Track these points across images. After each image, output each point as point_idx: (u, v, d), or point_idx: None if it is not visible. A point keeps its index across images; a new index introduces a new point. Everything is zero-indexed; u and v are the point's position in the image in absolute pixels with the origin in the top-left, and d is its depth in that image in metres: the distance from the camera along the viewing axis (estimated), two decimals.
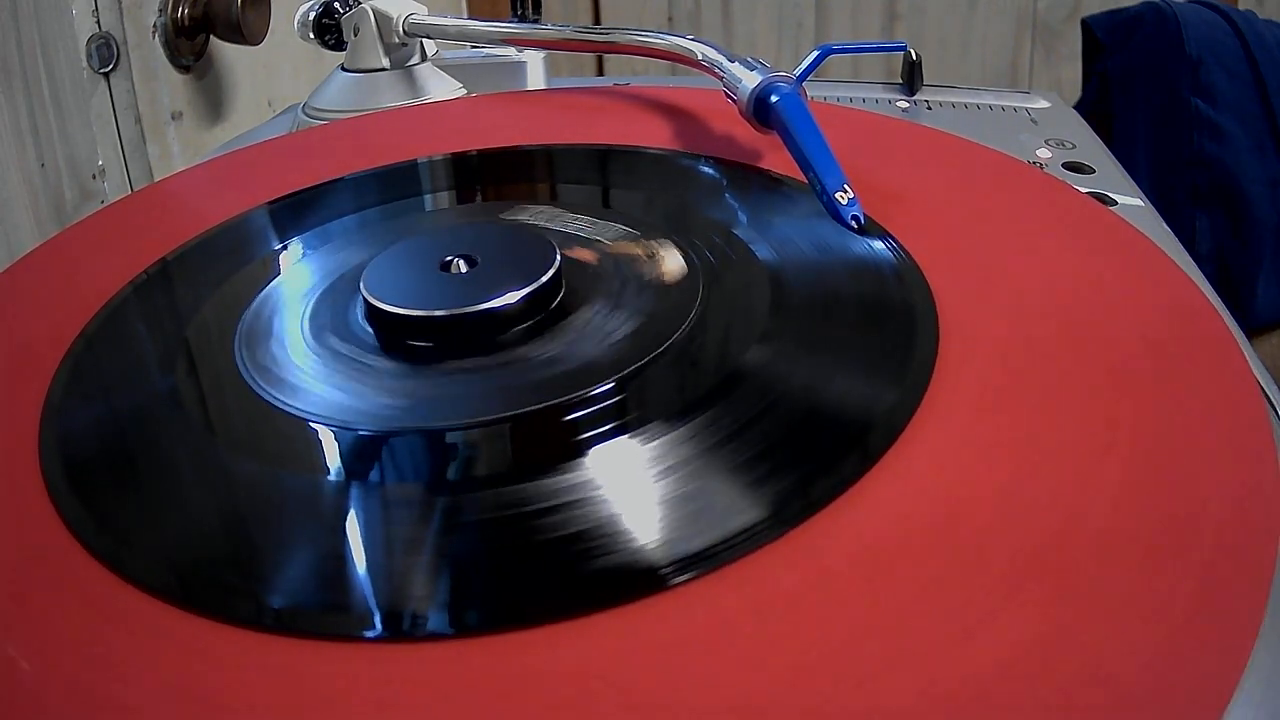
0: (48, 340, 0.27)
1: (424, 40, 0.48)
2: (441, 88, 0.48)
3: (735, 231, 0.28)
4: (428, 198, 0.34)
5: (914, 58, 0.49)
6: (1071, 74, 1.02)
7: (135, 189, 0.56)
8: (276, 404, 0.23)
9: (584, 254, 0.28)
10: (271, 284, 0.28)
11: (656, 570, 0.18)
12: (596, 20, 1.16)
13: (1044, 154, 0.41)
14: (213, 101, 0.64)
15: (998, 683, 0.15)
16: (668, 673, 0.16)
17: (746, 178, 0.32)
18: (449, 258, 0.26)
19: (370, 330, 0.25)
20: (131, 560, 0.19)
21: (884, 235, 0.27)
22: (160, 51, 0.59)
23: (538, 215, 0.30)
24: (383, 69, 0.47)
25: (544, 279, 0.25)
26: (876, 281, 0.25)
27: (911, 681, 0.16)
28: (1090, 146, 0.43)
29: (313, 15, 0.49)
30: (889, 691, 0.15)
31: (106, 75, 0.55)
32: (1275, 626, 0.17)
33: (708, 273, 0.26)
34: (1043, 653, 0.16)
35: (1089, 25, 0.85)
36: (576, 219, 0.29)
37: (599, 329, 0.25)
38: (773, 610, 0.17)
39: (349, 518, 0.20)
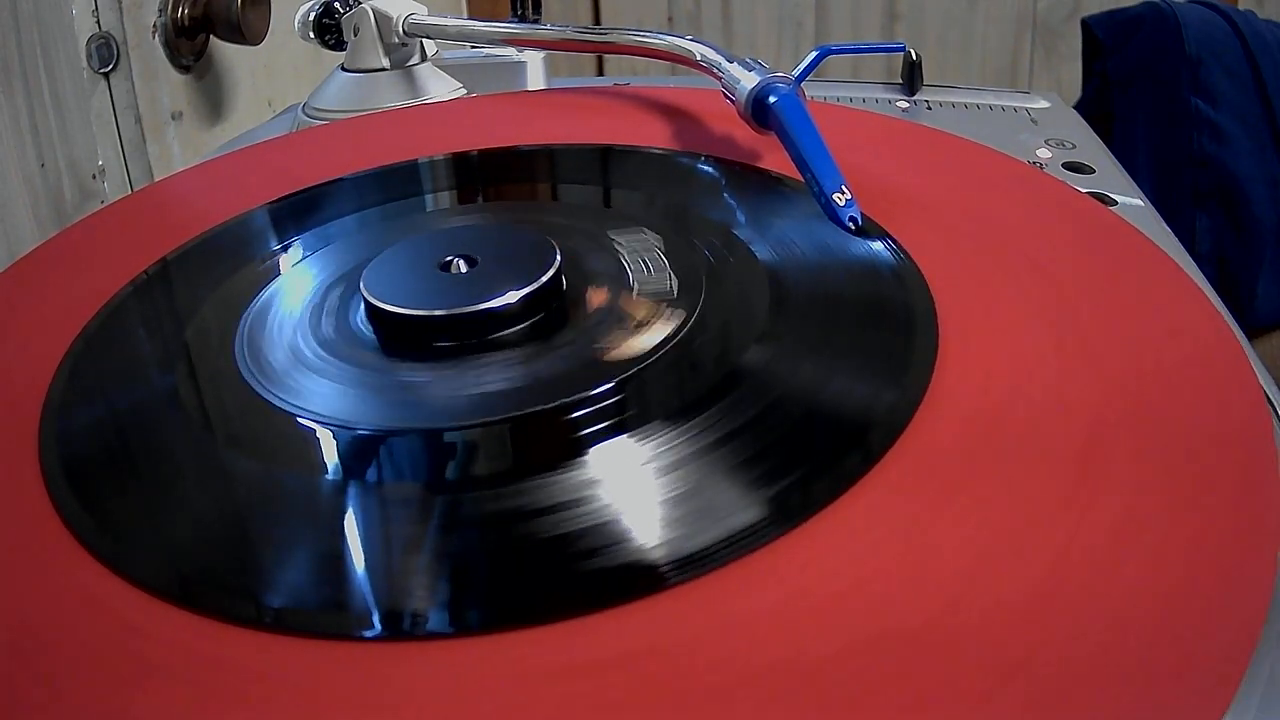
0: (48, 340, 0.27)
1: (424, 40, 0.48)
2: (441, 88, 0.48)
3: (735, 231, 0.28)
4: (428, 198, 0.34)
5: (914, 58, 0.49)
6: (1071, 74, 1.02)
7: (135, 189, 0.56)
8: (276, 404, 0.23)
9: (587, 255, 0.28)
10: (271, 284, 0.28)
11: (657, 570, 0.18)
12: (596, 20, 1.16)
13: (1044, 154, 0.41)
14: (213, 101, 0.64)
15: (998, 684, 0.15)
16: (668, 672, 0.16)
17: (746, 178, 0.32)
18: (449, 258, 0.26)
19: (370, 330, 0.25)
20: (131, 560, 0.19)
21: (883, 236, 0.27)
22: (160, 51, 0.59)
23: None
24: (383, 69, 0.47)
25: (544, 279, 0.25)
26: (876, 282, 0.25)
27: (913, 682, 0.16)
28: (1090, 146, 0.43)
29: (313, 15, 0.49)
30: (890, 691, 0.15)
31: (106, 75, 0.55)
32: (1276, 629, 0.17)
33: (707, 273, 0.26)
34: (1043, 653, 0.16)
35: (1089, 25, 0.85)
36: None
37: (599, 329, 0.25)
38: (773, 611, 0.17)
39: (349, 518, 0.20)
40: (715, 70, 0.34)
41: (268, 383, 0.24)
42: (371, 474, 0.21)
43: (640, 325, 0.24)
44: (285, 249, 0.31)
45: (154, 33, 0.58)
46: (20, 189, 0.49)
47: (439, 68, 0.49)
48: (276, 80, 0.71)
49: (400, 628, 0.17)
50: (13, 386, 0.25)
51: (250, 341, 0.26)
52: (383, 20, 0.46)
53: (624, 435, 0.21)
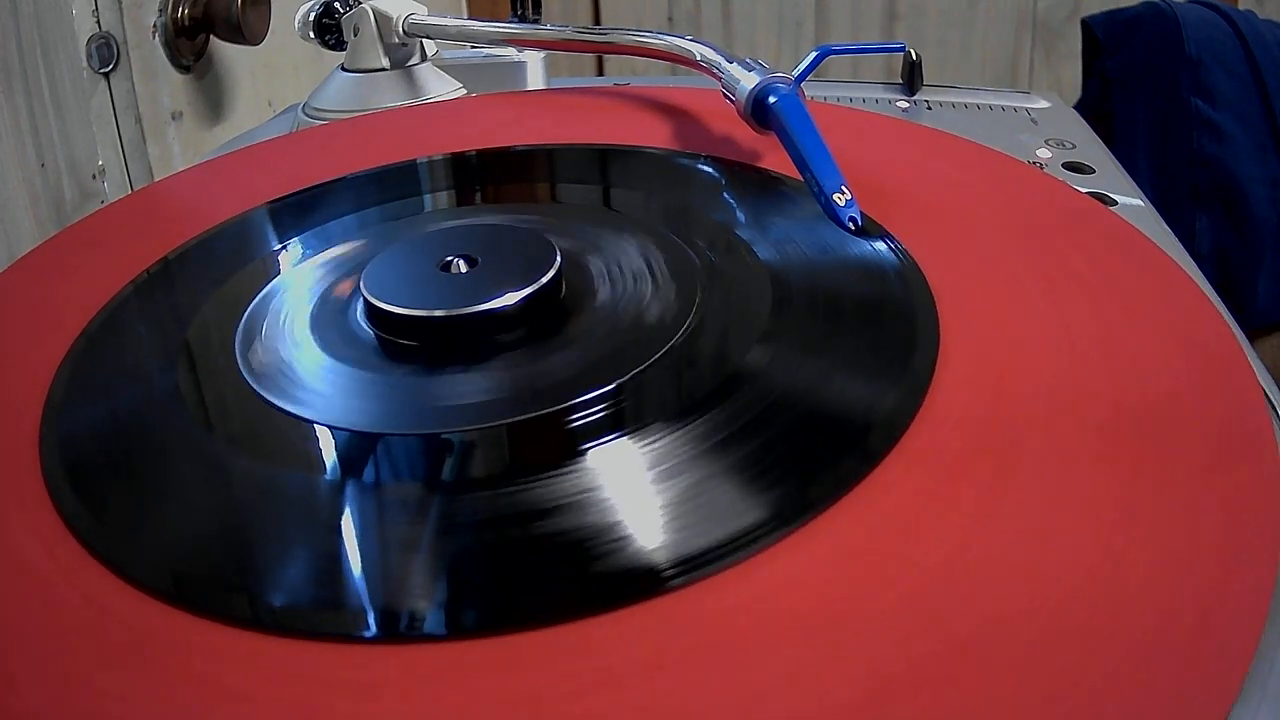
0: (48, 340, 0.27)
1: (424, 40, 0.48)
2: (441, 88, 0.48)
3: (735, 231, 0.28)
4: (428, 198, 0.34)
5: (914, 58, 0.49)
6: (1071, 74, 1.02)
7: (135, 189, 0.56)
8: (276, 404, 0.23)
9: (587, 256, 0.28)
10: (271, 284, 0.28)
11: (657, 572, 0.18)
12: (596, 20, 1.16)
13: (1044, 154, 0.41)
14: (213, 101, 0.64)
15: (999, 685, 0.15)
16: (668, 674, 0.16)
17: (746, 178, 0.32)
18: (449, 258, 0.26)
19: (370, 330, 0.25)
20: (131, 560, 0.19)
21: (884, 235, 0.27)
22: (160, 51, 0.59)
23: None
24: (383, 69, 0.47)
25: (544, 279, 0.25)
26: (877, 282, 0.25)
27: (914, 681, 0.16)
28: (1090, 146, 0.43)
29: (313, 15, 0.49)
30: (890, 691, 0.15)
31: (106, 75, 0.55)
32: (1277, 629, 0.17)
33: (708, 273, 0.26)
34: (1043, 653, 0.16)
35: (1089, 25, 0.85)
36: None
37: (599, 329, 0.25)
38: (774, 611, 0.17)
39: (348, 519, 0.20)
40: (715, 70, 0.34)
41: (267, 383, 0.24)
42: (371, 475, 0.21)
43: (641, 325, 0.24)
44: (285, 249, 0.31)
45: (154, 33, 0.58)
46: (20, 189, 0.49)
47: (439, 68, 0.49)
48: (276, 80, 0.71)
49: (398, 629, 0.17)
50: (13, 386, 0.25)
51: (250, 342, 0.26)
52: (383, 20, 0.46)
53: (624, 437, 0.21)
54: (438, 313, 0.24)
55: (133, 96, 0.57)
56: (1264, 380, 0.24)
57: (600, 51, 0.52)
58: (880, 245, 0.27)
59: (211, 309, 0.28)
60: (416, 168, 0.35)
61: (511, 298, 0.24)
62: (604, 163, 0.34)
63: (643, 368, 0.23)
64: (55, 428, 0.24)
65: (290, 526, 0.20)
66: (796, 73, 0.33)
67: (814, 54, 0.36)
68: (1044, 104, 0.48)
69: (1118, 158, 0.42)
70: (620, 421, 0.21)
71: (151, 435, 0.23)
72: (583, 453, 0.21)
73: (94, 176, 0.54)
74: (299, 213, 0.33)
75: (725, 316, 0.25)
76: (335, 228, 0.31)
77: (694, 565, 0.18)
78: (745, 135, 0.33)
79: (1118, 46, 0.82)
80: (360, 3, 0.46)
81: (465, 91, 0.48)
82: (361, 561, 0.19)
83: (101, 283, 0.29)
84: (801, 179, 0.29)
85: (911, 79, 0.50)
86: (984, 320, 0.24)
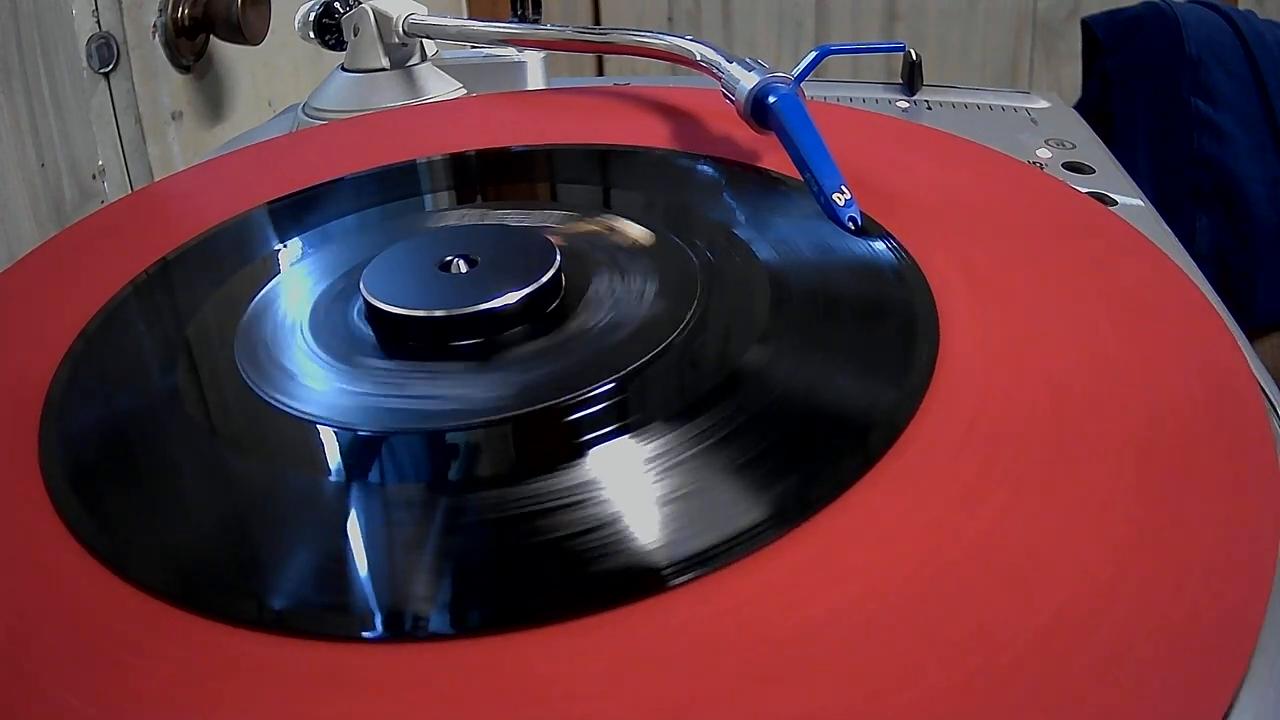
0: (48, 341, 0.27)
1: (424, 40, 0.48)
2: (441, 88, 0.48)
3: (735, 231, 0.28)
4: (428, 198, 0.34)
5: (914, 58, 0.49)
6: (1071, 74, 1.02)
7: (135, 189, 0.56)
8: (276, 404, 0.23)
9: (585, 254, 0.28)
10: (271, 284, 0.28)
11: (657, 571, 0.18)
12: (596, 20, 1.16)
13: (1044, 154, 0.41)
14: (213, 101, 0.64)
15: (1000, 686, 0.15)
16: (668, 674, 0.16)
17: (746, 178, 0.32)
18: (449, 257, 0.26)
19: (370, 330, 0.25)
20: (132, 560, 0.19)
21: (884, 235, 0.27)
22: (160, 51, 0.59)
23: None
24: (383, 69, 0.47)
25: (544, 279, 0.25)
26: (877, 281, 0.25)
27: (913, 682, 0.16)
28: (1090, 146, 0.43)
29: (313, 15, 0.49)
30: (891, 692, 0.15)
31: (106, 75, 0.55)
32: (1275, 628, 0.17)
33: (707, 273, 0.26)
34: (1044, 653, 0.16)
35: (1089, 25, 0.85)
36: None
37: (599, 329, 0.25)
38: (773, 611, 0.17)
39: (349, 518, 0.20)
40: (715, 70, 0.34)
41: (267, 383, 0.24)
42: (372, 475, 0.21)
43: (640, 325, 0.24)
44: (285, 248, 0.31)
45: (154, 33, 0.58)
46: (20, 189, 0.49)
47: (439, 68, 0.49)
48: (276, 80, 0.71)
49: (401, 629, 0.17)
50: (13, 387, 0.25)
51: (250, 342, 0.26)
52: (383, 20, 0.46)
53: (624, 436, 0.21)
54: (438, 313, 0.24)
55: (133, 96, 0.57)
56: (1264, 380, 0.24)
57: (600, 51, 0.52)
58: (880, 245, 0.27)
59: (211, 309, 0.28)
60: (416, 168, 0.35)
61: (511, 297, 0.24)
62: (604, 163, 0.34)
63: (643, 367, 0.23)
64: (55, 428, 0.24)
65: (291, 527, 0.20)
66: (796, 73, 0.33)
67: (814, 54, 0.36)
68: (1044, 104, 0.48)
69: (1118, 158, 0.42)
70: (620, 421, 0.21)
71: (151, 435, 0.23)
72: (583, 452, 0.21)
73: (94, 176, 0.54)
74: (299, 213, 0.33)
75: (725, 316, 0.25)
76: (335, 228, 0.31)
77: (694, 565, 0.18)
78: (745, 135, 0.33)
79: (1118, 46, 0.82)
80: (360, 3, 0.46)
81: (465, 91, 0.48)
82: (362, 562, 0.19)
83: (101, 283, 0.29)
84: (801, 179, 0.29)
85: (911, 79, 0.50)
86: (984, 320, 0.24)
